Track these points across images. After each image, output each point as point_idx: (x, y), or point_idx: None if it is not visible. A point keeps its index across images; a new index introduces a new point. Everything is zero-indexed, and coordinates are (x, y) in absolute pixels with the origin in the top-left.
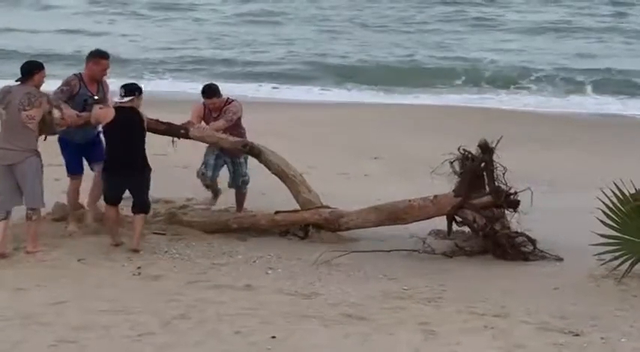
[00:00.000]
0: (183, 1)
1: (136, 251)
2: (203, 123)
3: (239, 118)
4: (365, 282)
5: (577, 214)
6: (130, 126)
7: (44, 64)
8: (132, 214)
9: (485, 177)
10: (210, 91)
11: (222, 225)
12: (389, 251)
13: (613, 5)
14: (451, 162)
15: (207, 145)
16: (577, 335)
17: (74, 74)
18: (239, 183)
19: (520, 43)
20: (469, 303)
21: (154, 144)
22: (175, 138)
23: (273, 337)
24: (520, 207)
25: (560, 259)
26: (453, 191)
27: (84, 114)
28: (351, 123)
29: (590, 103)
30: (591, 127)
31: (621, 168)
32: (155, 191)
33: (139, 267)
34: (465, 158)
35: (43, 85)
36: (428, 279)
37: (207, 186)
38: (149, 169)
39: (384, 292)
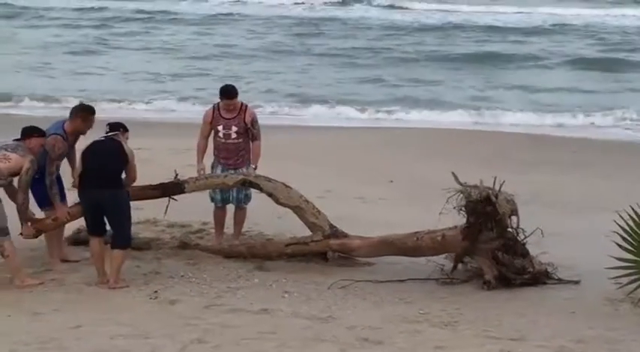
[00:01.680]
0: None
1: (113, 288)
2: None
3: None
4: (381, 306)
5: (593, 237)
6: (108, 149)
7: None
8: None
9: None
10: (233, 91)
11: (235, 253)
12: (404, 280)
13: None
14: (456, 208)
15: (211, 160)
16: None
17: (60, 136)
18: (241, 197)
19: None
20: (485, 327)
21: (166, 166)
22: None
23: None
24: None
25: (577, 282)
26: (461, 233)
27: (73, 209)
28: (366, 147)
29: (600, 127)
30: (606, 151)
31: (637, 191)
32: (171, 215)
33: (155, 291)
34: (469, 202)
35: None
36: (444, 303)
37: (216, 219)
38: (126, 192)
39: (400, 316)
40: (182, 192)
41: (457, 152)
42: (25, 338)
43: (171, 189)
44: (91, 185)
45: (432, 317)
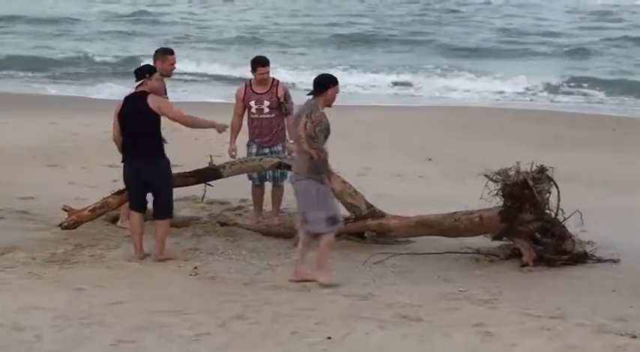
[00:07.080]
0: None
1: (161, 260)
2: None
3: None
4: (419, 283)
5: (633, 216)
6: (134, 113)
7: None
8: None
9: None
10: (264, 59)
11: (273, 232)
12: (442, 253)
13: None
14: (494, 191)
15: (247, 139)
16: (635, 337)
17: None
18: (277, 175)
19: None
20: (525, 305)
21: (208, 145)
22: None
23: (329, 338)
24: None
25: (617, 261)
26: (499, 214)
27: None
28: (405, 125)
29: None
30: None
31: None
32: (210, 192)
33: (195, 268)
34: (506, 186)
35: None
36: (483, 281)
37: (254, 197)
38: (165, 159)
39: (439, 293)
40: (219, 177)
41: (495, 130)
42: (66, 313)
43: (208, 175)
44: (129, 155)
45: (471, 295)
